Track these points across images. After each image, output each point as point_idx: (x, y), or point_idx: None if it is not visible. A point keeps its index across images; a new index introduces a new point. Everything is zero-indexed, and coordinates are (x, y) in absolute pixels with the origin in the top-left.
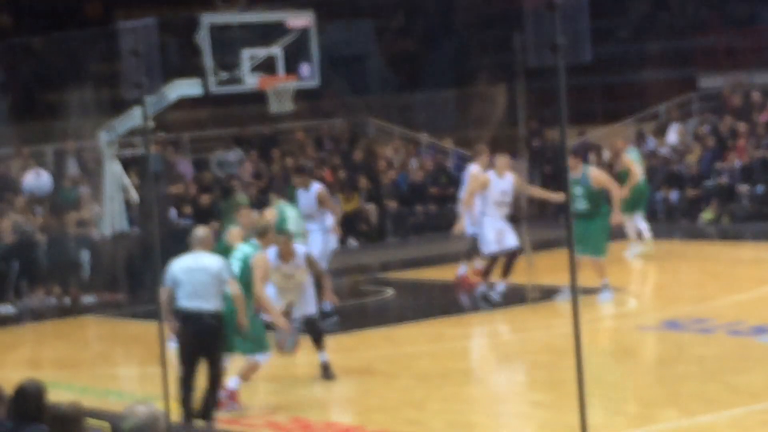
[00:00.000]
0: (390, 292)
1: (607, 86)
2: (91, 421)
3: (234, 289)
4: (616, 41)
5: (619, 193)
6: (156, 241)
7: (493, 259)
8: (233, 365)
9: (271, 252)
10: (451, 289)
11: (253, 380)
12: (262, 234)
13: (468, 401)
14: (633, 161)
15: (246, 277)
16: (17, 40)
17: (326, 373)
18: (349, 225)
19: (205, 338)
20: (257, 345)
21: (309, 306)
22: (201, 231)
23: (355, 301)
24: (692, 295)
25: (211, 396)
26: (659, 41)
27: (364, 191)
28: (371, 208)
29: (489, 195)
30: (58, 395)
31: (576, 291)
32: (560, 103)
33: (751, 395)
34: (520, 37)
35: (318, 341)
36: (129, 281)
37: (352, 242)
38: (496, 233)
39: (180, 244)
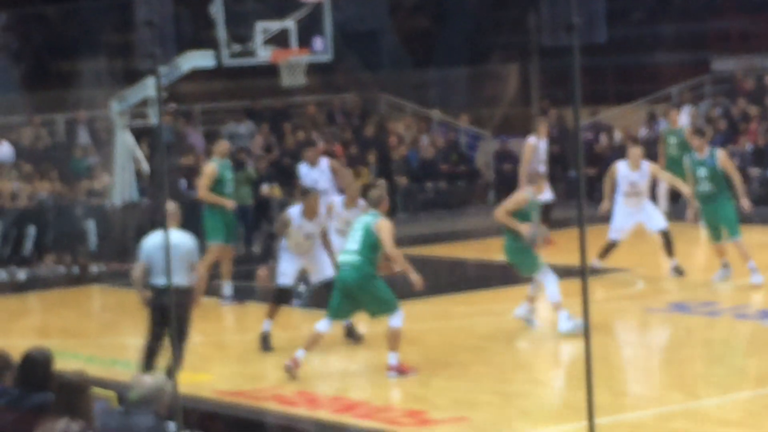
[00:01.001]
0: (398, 268)
1: (620, 67)
2: (98, 390)
3: (392, 251)
4: (629, 23)
5: (740, 178)
6: (164, 213)
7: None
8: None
9: (295, 210)
10: (460, 266)
11: (259, 356)
12: (378, 203)
13: (473, 379)
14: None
15: (368, 243)
16: (30, 8)
17: (352, 334)
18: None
19: (174, 312)
20: (390, 306)
21: (327, 270)
22: (170, 206)
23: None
24: (700, 278)
25: (174, 369)
26: (673, 23)
27: (375, 167)
28: (381, 184)
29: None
30: (65, 364)
31: (586, 271)
32: (574, 83)
33: (757, 379)
34: (535, 17)
35: None
36: (138, 251)
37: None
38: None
39: (189, 215)
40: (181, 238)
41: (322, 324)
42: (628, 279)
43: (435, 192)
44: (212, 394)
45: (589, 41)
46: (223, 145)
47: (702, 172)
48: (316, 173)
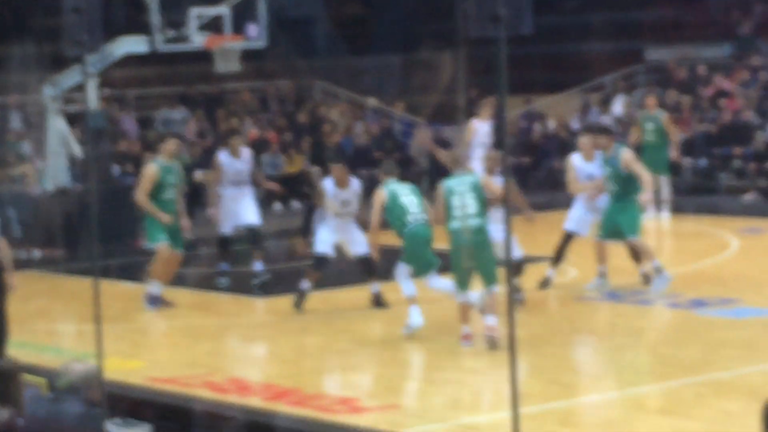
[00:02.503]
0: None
1: (553, 56)
2: (28, 377)
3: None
4: (563, 11)
5: (648, 179)
6: (93, 198)
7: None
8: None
9: (328, 181)
10: (393, 252)
11: (190, 343)
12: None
13: (406, 366)
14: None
15: (482, 201)
16: None
17: (379, 301)
18: (292, 187)
19: None
20: (494, 275)
21: (361, 244)
22: None
23: (296, 264)
24: (632, 267)
25: None
26: (606, 12)
27: (309, 153)
28: (315, 171)
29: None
30: None
31: (510, 258)
32: (500, 74)
33: (686, 368)
34: (461, 6)
35: (372, 274)
36: (68, 237)
37: (295, 204)
38: None
39: (120, 201)
40: None
41: (469, 296)
42: (561, 267)
43: (369, 179)
44: (144, 381)
45: (515, 32)
46: (171, 144)
47: (607, 171)
48: (239, 164)
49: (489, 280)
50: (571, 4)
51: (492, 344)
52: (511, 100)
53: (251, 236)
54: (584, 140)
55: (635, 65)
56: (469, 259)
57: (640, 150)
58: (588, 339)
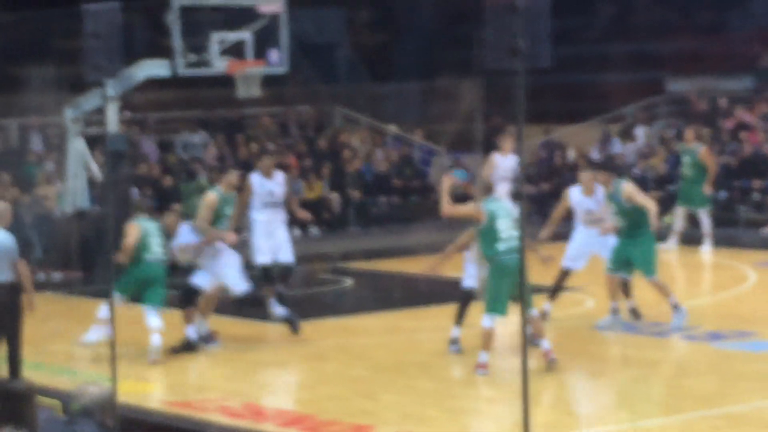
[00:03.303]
0: (349, 281)
1: (574, 86)
2: (42, 399)
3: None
4: (584, 41)
5: (654, 208)
6: (110, 221)
7: None
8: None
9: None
10: (411, 281)
11: (206, 366)
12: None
13: (421, 394)
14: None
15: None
16: None
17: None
18: (311, 213)
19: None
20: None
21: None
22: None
23: (314, 290)
24: (650, 299)
25: (13, 368)
26: (628, 43)
27: (328, 179)
28: (334, 197)
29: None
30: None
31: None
32: (519, 106)
33: (702, 400)
34: (479, 37)
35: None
36: (86, 259)
37: (314, 230)
38: None
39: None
40: (2, 237)
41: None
42: (578, 297)
43: (388, 206)
44: (158, 405)
45: (533, 65)
46: (232, 176)
47: (612, 208)
48: (271, 185)
49: (529, 304)
50: (592, 34)
51: (552, 366)
52: (531, 129)
53: (284, 274)
54: (584, 175)
55: (656, 96)
56: (512, 282)
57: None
58: (603, 370)
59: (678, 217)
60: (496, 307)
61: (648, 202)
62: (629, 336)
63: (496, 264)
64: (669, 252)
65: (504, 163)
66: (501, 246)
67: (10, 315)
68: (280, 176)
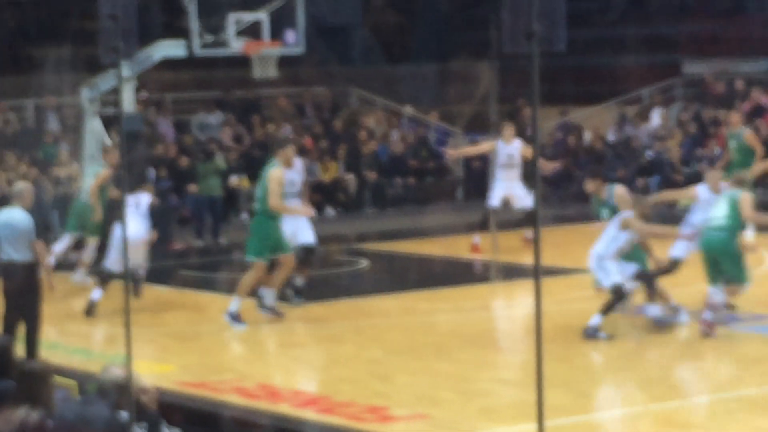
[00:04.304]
0: (365, 263)
1: (590, 68)
2: (59, 379)
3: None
4: (601, 24)
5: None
6: (124, 204)
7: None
8: None
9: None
10: (426, 262)
11: (223, 348)
12: (741, 181)
13: (436, 376)
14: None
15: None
16: None
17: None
18: (327, 194)
19: (17, 288)
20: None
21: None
22: (19, 186)
23: (329, 271)
24: (665, 281)
25: (31, 348)
26: (644, 26)
27: (344, 161)
28: (350, 178)
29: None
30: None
31: (539, 271)
32: (533, 89)
33: (719, 383)
34: (495, 20)
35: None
36: (102, 240)
37: (330, 211)
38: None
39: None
40: (20, 218)
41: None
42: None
43: (404, 187)
44: (174, 385)
45: (548, 49)
46: (290, 151)
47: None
48: (292, 174)
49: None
50: (609, 17)
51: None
52: (548, 111)
53: (304, 255)
54: (713, 174)
55: (672, 79)
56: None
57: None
58: (619, 352)
59: None
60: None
61: (641, 204)
62: (644, 318)
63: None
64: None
65: (504, 150)
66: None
67: (29, 295)
68: (299, 164)
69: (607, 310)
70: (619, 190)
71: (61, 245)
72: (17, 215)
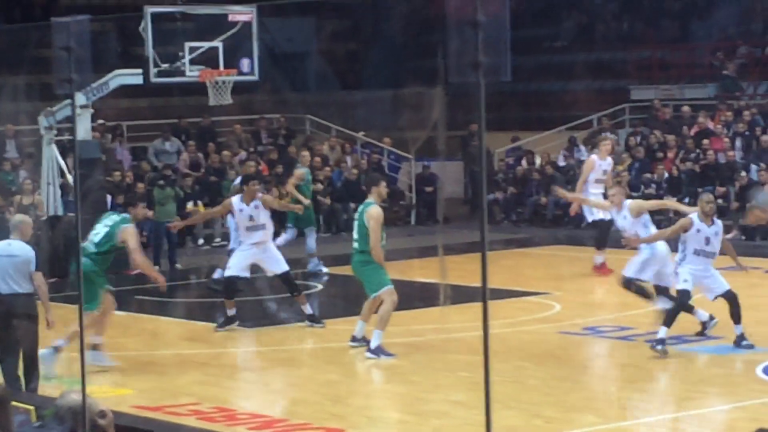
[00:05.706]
0: (319, 287)
1: (541, 94)
2: (18, 404)
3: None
4: (551, 50)
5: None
6: (79, 227)
7: None
8: None
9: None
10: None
11: (180, 372)
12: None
13: (391, 398)
14: None
15: None
16: None
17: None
18: (282, 219)
19: (15, 319)
20: None
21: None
22: (17, 218)
23: (284, 295)
24: (615, 303)
25: (29, 379)
26: (593, 52)
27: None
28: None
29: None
30: None
31: (486, 293)
32: (481, 117)
33: (667, 403)
34: (443, 48)
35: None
36: (58, 265)
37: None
38: None
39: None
40: (20, 250)
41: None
42: (545, 302)
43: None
44: (131, 410)
45: (495, 79)
46: (382, 188)
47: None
48: (250, 209)
49: None
50: (559, 43)
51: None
52: (500, 137)
53: (287, 283)
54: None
55: (621, 104)
56: None
57: None
58: (570, 373)
59: None
60: None
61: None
62: (594, 339)
63: None
64: None
65: (600, 166)
66: None
67: (28, 325)
68: (257, 202)
69: (669, 320)
70: (632, 204)
71: None
72: (17, 247)
